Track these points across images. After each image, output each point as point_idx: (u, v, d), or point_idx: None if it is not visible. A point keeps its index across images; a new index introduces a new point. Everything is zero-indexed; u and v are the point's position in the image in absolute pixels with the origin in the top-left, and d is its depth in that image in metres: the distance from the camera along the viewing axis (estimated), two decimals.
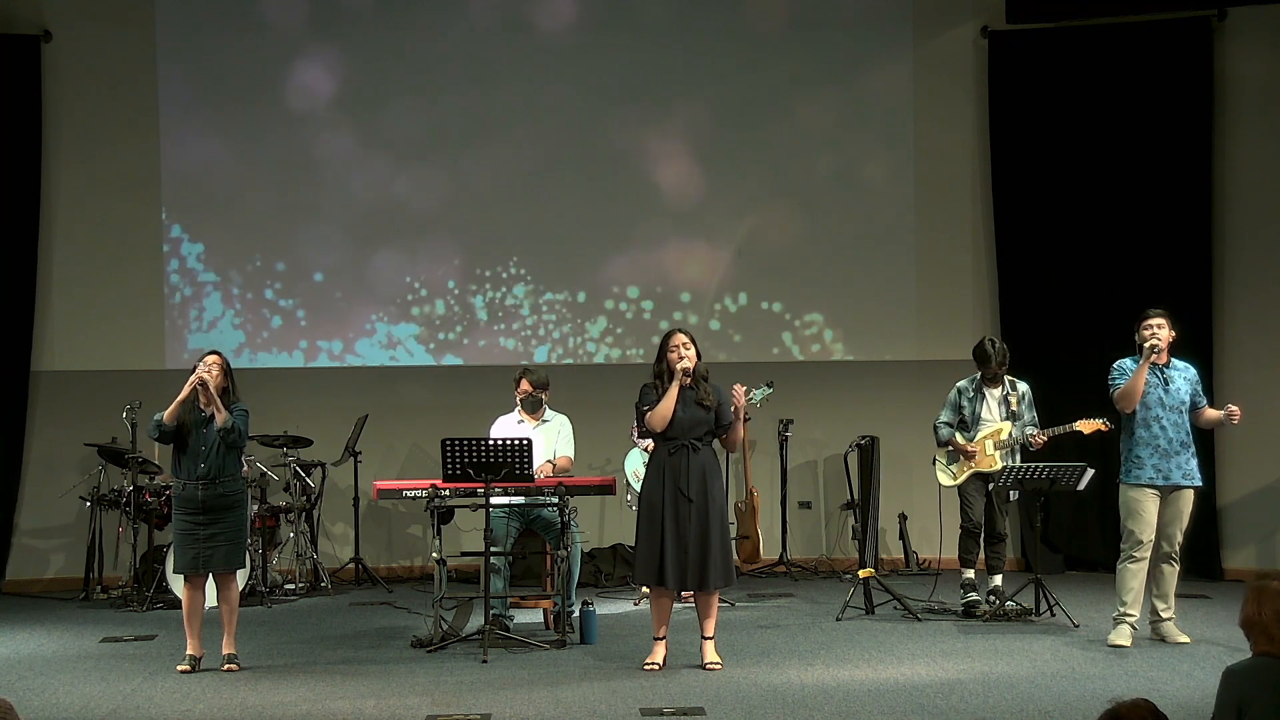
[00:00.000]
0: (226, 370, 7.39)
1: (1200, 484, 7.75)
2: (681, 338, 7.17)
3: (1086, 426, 8.20)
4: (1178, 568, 7.72)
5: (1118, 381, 7.71)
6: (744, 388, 7.21)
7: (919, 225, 10.80)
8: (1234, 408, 7.70)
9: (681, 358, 7.08)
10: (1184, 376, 7.74)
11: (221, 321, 10.58)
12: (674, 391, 7.06)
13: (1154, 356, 7.58)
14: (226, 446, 7.32)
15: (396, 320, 10.68)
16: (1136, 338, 7.71)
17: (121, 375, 10.21)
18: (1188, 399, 7.71)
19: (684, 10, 10.76)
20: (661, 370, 7.17)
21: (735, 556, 10.18)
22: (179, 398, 7.27)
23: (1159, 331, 7.63)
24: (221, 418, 7.25)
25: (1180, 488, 7.64)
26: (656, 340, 10.32)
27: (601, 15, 10.76)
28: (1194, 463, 7.69)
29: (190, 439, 7.28)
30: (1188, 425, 7.69)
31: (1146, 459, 7.64)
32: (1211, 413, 7.79)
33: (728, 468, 10.26)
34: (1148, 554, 7.63)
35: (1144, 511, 7.62)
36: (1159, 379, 7.68)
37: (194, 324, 10.55)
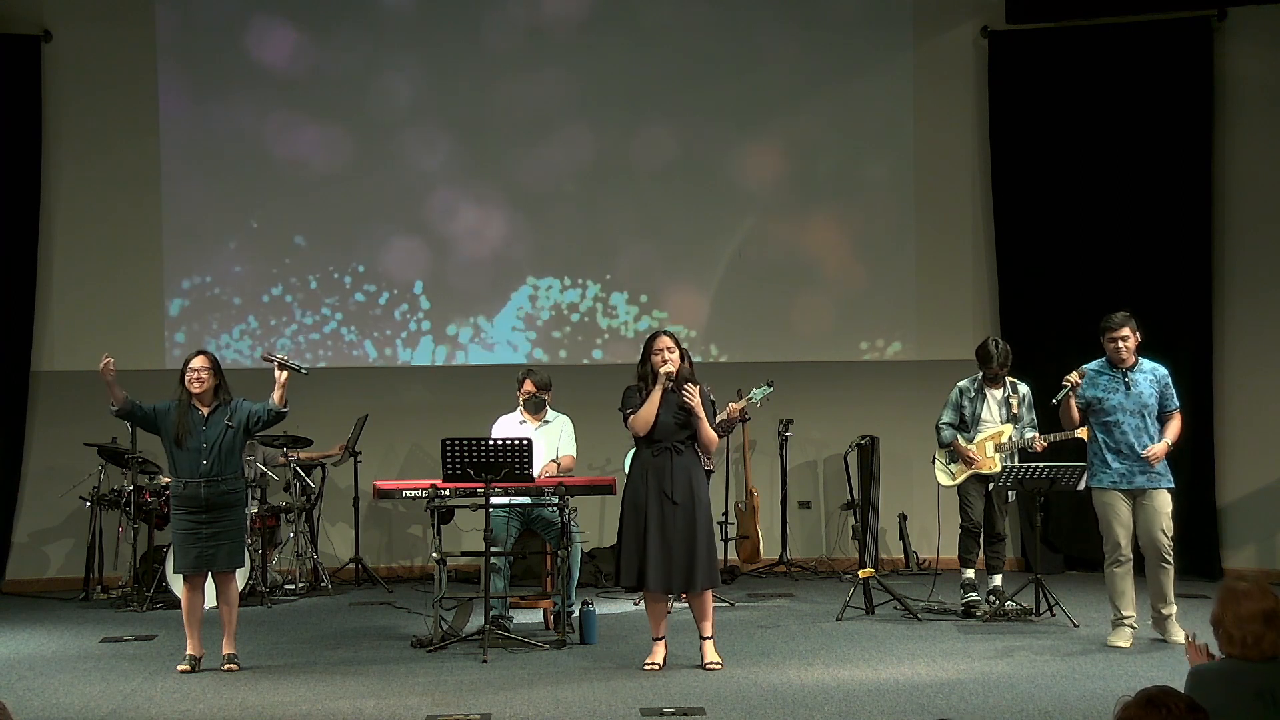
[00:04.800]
0: (216, 368, 7.40)
1: (1170, 485, 7.69)
2: (666, 340, 7.13)
3: (1087, 434, 8.20)
4: (1171, 568, 7.68)
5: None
6: (696, 387, 7.11)
7: (919, 225, 10.80)
8: (1159, 452, 7.57)
9: (665, 361, 7.06)
10: (1149, 379, 7.69)
11: (221, 321, 10.58)
12: (656, 395, 7.03)
13: (1072, 395, 7.61)
14: (246, 433, 7.40)
15: (398, 319, 10.67)
16: (1102, 340, 7.70)
17: (122, 375, 10.06)
18: (1152, 401, 7.65)
19: (683, 11, 10.76)
20: (645, 373, 7.15)
21: (735, 557, 10.24)
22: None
23: (1124, 344, 7.60)
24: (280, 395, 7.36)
25: (1147, 490, 7.62)
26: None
27: (599, 16, 10.75)
28: (1161, 464, 7.63)
29: (188, 439, 7.28)
30: (1151, 428, 7.64)
31: (1110, 462, 7.63)
32: (1171, 425, 7.69)
33: (727, 468, 10.31)
34: (1129, 555, 7.62)
35: (1115, 514, 7.62)
36: (1120, 382, 7.66)
37: (194, 324, 10.54)
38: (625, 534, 7.13)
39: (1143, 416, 7.64)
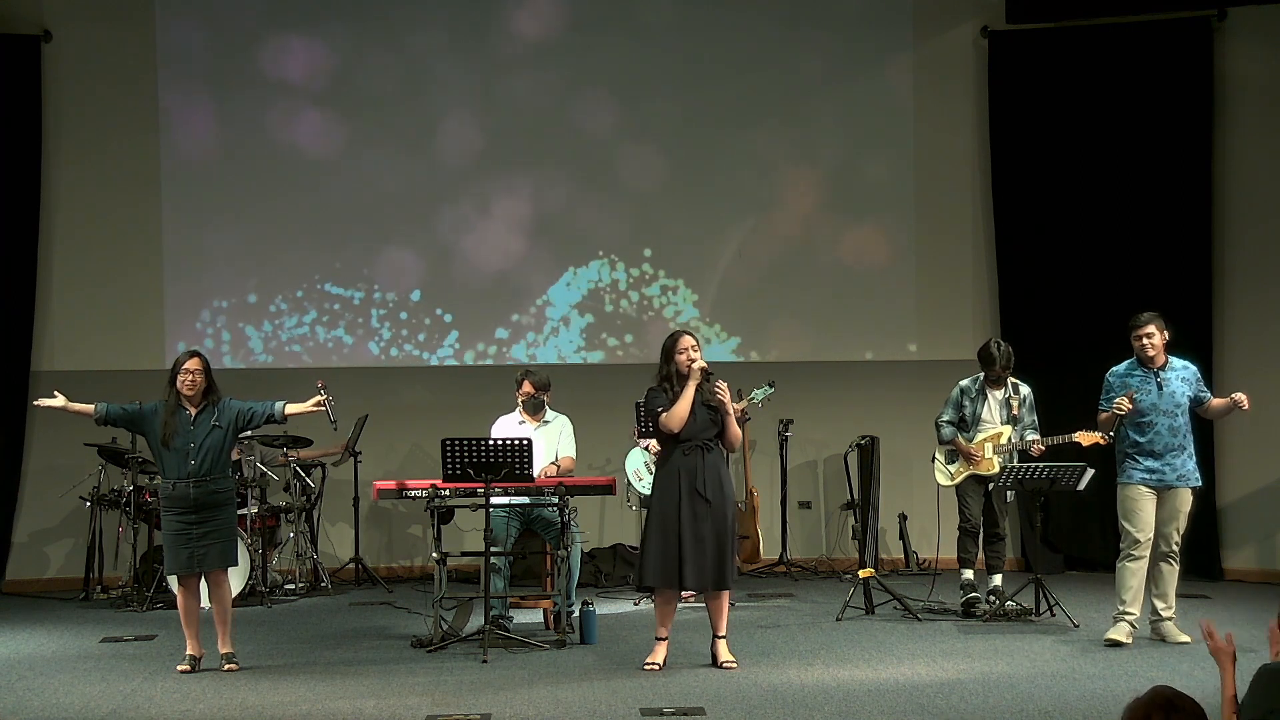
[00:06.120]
0: (207, 370, 7.41)
1: (1198, 484, 7.77)
2: (690, 340, 7.19)
3: (1085, 439, 8.16)
4: (1176, 566, 7.74)
5: (1104, 404, 7.80)
6: (725, 383, 7.21)
7: (919, 225, 10.80)
8: (1241, 396, 7.67)
9: (692, 360, 7.08)
10: (1181, 377, 7.72)
11: (221, 321, 10.58)
12: (690, 392, 7.05)
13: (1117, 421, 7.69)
14: (235, 432, 7.41)
15: (396, 320, 10.68)
16: (1132, 341, 7.73)
17: (121, 375, 10.19)
18: (1185, 400, 7.70)
19: (684, 10, 10.76)
20: (670, 372, 7.17)
21: (736, 557, 10.24)
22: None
23: (1149, 340, 7.65)
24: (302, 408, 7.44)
25: (1176, 488, 7.66)
26: (650, 338, 10.44)
27: (597, 16, 10.75)
28: (1191, 464, 7.70)
29: (174, 439, 7.28)
30: (1184, 427, 7.68)
31: (1141, 460, 7.65)
32: (1218, 402, 7.80)
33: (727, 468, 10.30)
34: (1146, 552, 7.64)
35: (1140, 510, 7.62)
36: (1153, 382, 7.68)
37: (193, 324, 10.54)
38: (654, 533, 7.11)
39: (1175, 416, 7.66)
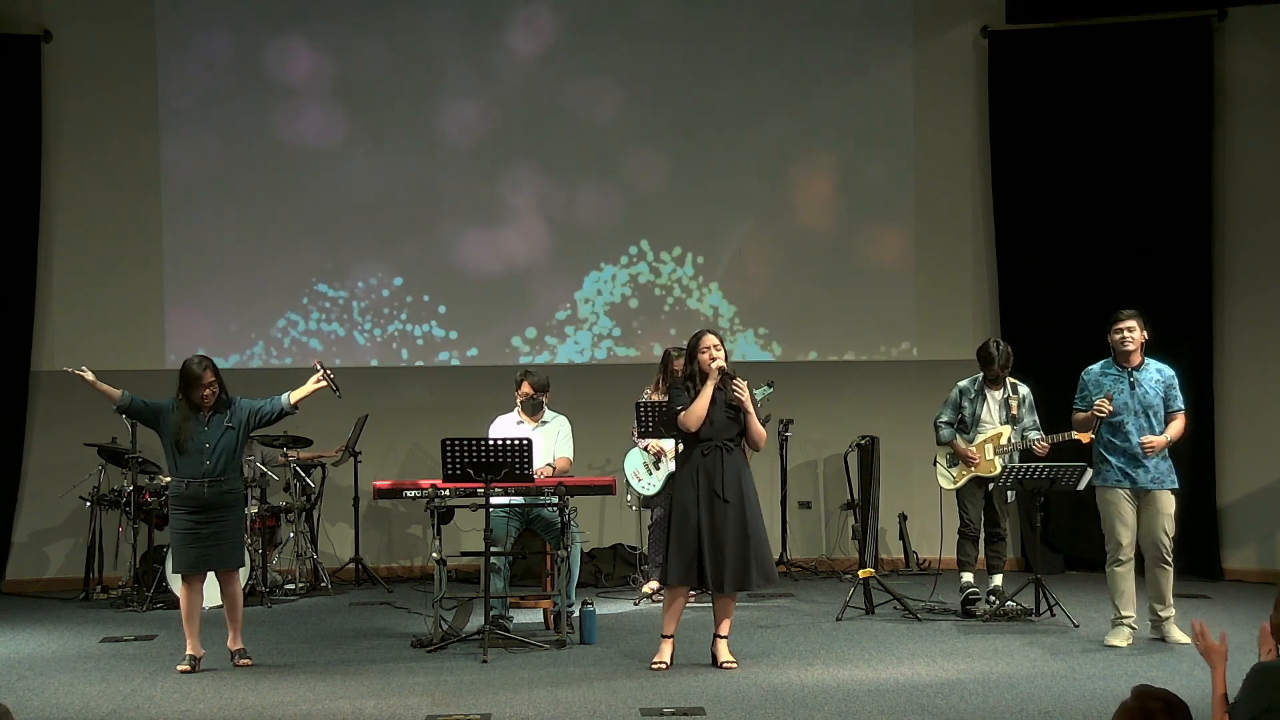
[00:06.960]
0: (217, 374, 7.45)
1: (1175, 486, 7.69)
2: (713, 339, 7.19)
3: (1084, 436, 8.18)
4: (1170, 569, 7.68)
5: (1078, 403, 7.81)
6: (745, 382, 7.23)
7: (919, 225, 10.80)
8: (1154, 443, 7.58)
9: (714, 359, 7.09)
10: (1155, 379, 7.69)
11: (221, 322, 10.58)
12: (708, 391, 7.06)
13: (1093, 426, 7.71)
14: (247, 431, 7.43)
15: (395, 319, 10.67)
16: (1109, 336, 7.73)
17: (121, 375, 10.12)
18: (1158, 403, 7.65)
19: (685, 10, 10.76)
20: (693, 371, 7.18)
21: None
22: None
23: (1129, 334, 7.63)
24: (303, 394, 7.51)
25: (1151, 490, 7.62)
26: (650, 338, 10.45)
27: (597, 15, 10.75)
28: (1165, 465, 7.64)
29: (188, 441, 7.30)
30: (1158, 428, 7.63)
31: (1114, 462, 7.64)
32: (1175, 424, 7.67)
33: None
34: (1131, 554, 7.63)
35: (1119, 513, 7.61)
36: (1125, 382, 7.66)
37: (193, 324, 10.54)
38: (674, 532, 7.12)
39: (1148, 417, 7.62)
